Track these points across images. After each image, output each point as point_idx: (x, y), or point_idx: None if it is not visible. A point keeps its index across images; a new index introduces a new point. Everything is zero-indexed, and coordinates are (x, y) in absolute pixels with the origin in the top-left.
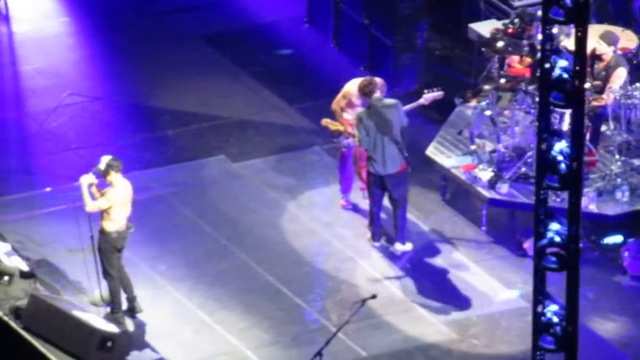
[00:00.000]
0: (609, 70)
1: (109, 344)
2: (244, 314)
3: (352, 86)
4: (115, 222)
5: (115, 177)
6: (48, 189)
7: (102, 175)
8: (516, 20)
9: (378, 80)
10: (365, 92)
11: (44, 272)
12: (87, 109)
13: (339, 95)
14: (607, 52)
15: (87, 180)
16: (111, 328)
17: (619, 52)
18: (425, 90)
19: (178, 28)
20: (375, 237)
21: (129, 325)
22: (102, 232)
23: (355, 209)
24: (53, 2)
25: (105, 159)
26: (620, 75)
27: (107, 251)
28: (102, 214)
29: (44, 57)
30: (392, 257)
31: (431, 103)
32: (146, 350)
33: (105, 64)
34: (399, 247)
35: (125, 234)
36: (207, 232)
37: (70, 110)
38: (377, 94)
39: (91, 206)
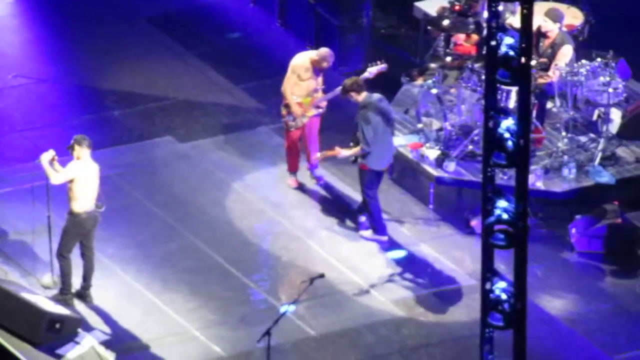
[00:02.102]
0: (555, 47)
1: (58, 325)
2: (192, 294)
3: (297, 60)
4: (82, 202)
5: (81, 152)
6: None
7: (70, 151)
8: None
9: (325, 50)
10: (353, 89)
11: None
12: (32, 91)
13: (288, 73)
14: (552, 29)
15: (47, 157)
16: (60, 310)
17: (565, 29)
18: (370, 64)
19: (124, 9)
20: (381, 232)
21: (78, 307)
22: (71, 213)
23: (302, 188)
24: None
25: (76, 135)
26: (566, 52)
27: (72, 233)
28: (68, 194)
29: None
30: (340, 236)
31: (376, 77)
32: (95, 332)
33: (50, 45)
34: (365, 233)
35: (95, 214)
36: (154, 213)
37: (16, 92)
38: (365, 93)
39: (56, 178)
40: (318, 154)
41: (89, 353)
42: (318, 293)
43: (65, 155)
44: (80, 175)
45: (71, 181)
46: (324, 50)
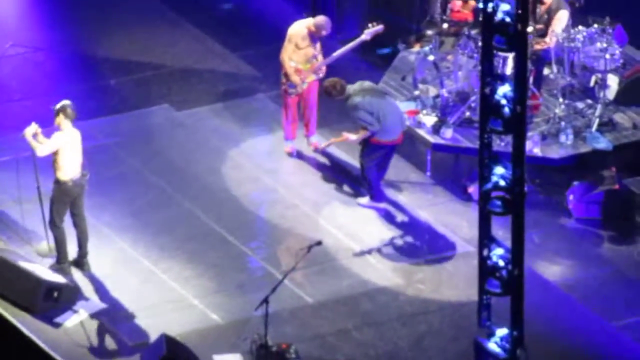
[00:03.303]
0: (551, 13)
1: (55, 294)
2: (189, 262)
3: (294, 28)
4: (68, 170)
5: (64, 123)
6: None
7: (54, 117)
8: None
9: (322, 18)
10: (337, 90)
11: None
12: (29, 60)
13: (285, 42)
14: None
15: (30, 131)
16: (57, 278)
17: None
18: (369, 25)
19: None
20: (377, 199)
21: (75, 275)
22: (57, 182)
23: (299, 156)
24: None
25: (63, 102)
26: (562, 17)
27: (60, 201)
28: (53, 164)
29: None
30: (337, 203)
31: (373, 38)
32: (92, 300)
33: (47, 14)
34: (363, 200)
35: (81, 182)
36: (151, 181)
37: (13, 61)
38: (347, 87)
39: (41, 150)
40: (324, 143)
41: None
42: (315, 260)
43: (50, 125)
44: (65, 145)
45: (56, 152)
46: (321, 19)
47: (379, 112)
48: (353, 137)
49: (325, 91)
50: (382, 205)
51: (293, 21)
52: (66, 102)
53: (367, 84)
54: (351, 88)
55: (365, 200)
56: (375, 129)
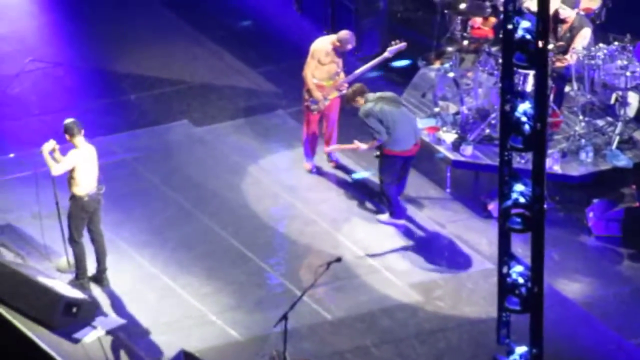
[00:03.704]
0: (573, 31)
1: (74, 309)
2: (208, 278)
3: (318, 44)
4: (84, 186)
5: (78, 139)
6: (11, 155)
7: (66, 137)
8: None
9: (345, 32)
10: (354, 97)
11: (9, 239)
12: (49, 75)
13: (308, 58)
14: (569, 14)
15: (48, 147)
16: (76, 294)
17: (582, 12)
18: (392, 43)
19: None
20: (397, 216)
21: (94, 291)
22: (73, 197)
23: (319, 172)
24: None
25: (68, 121)
26: (585, 35)
27: (77, 217)
28: (69, 180)
29: (6, 24)
30: (357, 220)
31: (395, 56)
32: (111, 316)
33: (67, 29)
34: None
35: (97, 197)
36: (170, 197)
37: (33, 76)
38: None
39: (56, 169)
40: (333, 146)
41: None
42: (334, 277)
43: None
44: (80, 162)
45: (72, 169)
46: (345, 33)
47: (389, 121)
48: (364, 146)
49: (347, 98)
50: (402, 222)
51: (313, 38)
52: (68, 120)
53: (387, 94)
54: (370, 95)
55: (385, 217)
56: (382, 138)
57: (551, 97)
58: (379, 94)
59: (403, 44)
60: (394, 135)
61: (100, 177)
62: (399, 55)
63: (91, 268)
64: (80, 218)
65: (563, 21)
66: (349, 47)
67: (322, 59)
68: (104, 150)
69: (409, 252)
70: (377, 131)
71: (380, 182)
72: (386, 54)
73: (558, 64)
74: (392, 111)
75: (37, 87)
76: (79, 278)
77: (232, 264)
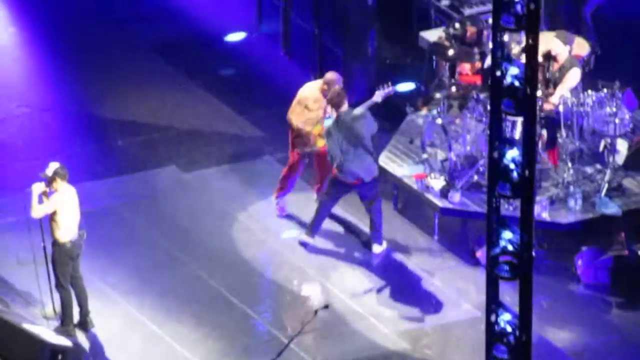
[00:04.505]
0: (563, 70)
1: (60, 357)
2: (195, 325)
3: (306, 91)
4: (66, 231)
5: (61, 184)
6: None
7: (48, 182)
8: (457, 26)
9: (330, 74)
10: (334, 102)
11: None
12: (35, 120)
13: (294, 103)
14: (562, 52)
15: (38, 188)
16: (62, 341)
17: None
18: (381, 87)
19: (127, 38)
20: (313, 233)
21: (80, 338)
22: (56, 243)
23: (289, 216)
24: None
25: (53, 166)
26: (574, 75)
27: (61, 262)
28: (51, 224)
29: None
30: (344, 267)
31: (384, 101)
32: None
33: (53, 74)
34: (377, 249)
35: (79, 242)
36: (157, 243)
37: (19, 122)
38: (345, 106)
39: (37, 211)
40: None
41: None
42: (322, 324)
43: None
44: (62, 206)
45: (54, 212)
46: (331, 74)
47: (347, 150)
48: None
49: (330, 100)
50: (311, 240)
51: (301, 83)
52: (54, 164)
53: (349, 118)
54: (342, 115)
55: (379, 248)
56: (334, 162)
57: (539, 144)
58: (345, 113)
59: (392, 88)
60: (344, 162)
61: (82, 222)
62: (388, 101)
63: (74, 313)
64: (65, 264)
65: (555, 59)
66: (337, 88)
67: (310, 105)
68: (90, 196)
69: (397, 299)
70: (330, 155)
71: (379, 200)
72: (375, 98)
73: (546, 107)
74: (348, 144)
75: (24, 132)
76: (65, 325)
77: (219, 311)
